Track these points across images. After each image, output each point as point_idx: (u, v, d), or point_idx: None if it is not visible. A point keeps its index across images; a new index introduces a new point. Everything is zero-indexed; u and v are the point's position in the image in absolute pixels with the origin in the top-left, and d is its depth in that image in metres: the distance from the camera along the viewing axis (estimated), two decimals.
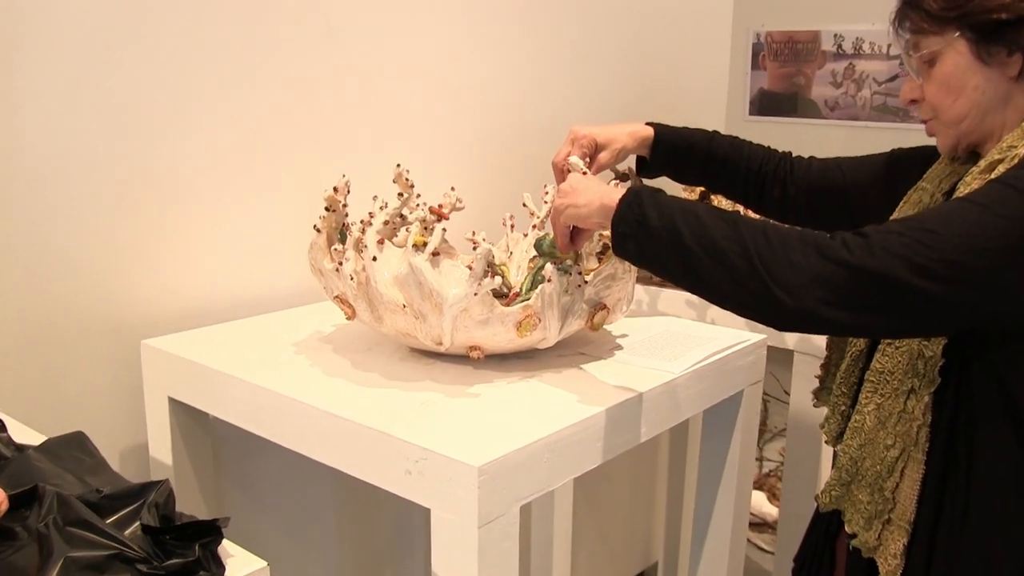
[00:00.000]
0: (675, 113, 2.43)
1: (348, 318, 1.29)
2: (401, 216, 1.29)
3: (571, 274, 1.23)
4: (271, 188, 1.55)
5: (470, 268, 1.14)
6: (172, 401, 1.32)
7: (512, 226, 1.55)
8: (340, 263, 1.23)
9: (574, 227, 1.15)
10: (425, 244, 1.15)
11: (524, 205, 1.53)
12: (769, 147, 1.38)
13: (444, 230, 1.17)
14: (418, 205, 1.43)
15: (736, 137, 1.39)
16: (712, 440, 1.46)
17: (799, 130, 2.43)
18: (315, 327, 1.44)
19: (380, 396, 1.14)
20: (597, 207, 1.04)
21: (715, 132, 1.38)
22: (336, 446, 1.08)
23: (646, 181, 1.41)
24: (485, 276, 1.15)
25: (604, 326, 1.35)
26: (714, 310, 1.79)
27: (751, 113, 2.51)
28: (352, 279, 1.21)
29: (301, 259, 1.58)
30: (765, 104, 2.48)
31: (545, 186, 1.54)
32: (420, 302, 1.17)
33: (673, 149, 1.35)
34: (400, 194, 1.44)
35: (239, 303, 1.54)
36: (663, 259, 0.96)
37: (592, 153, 1.34)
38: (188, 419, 1.35)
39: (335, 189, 1.30)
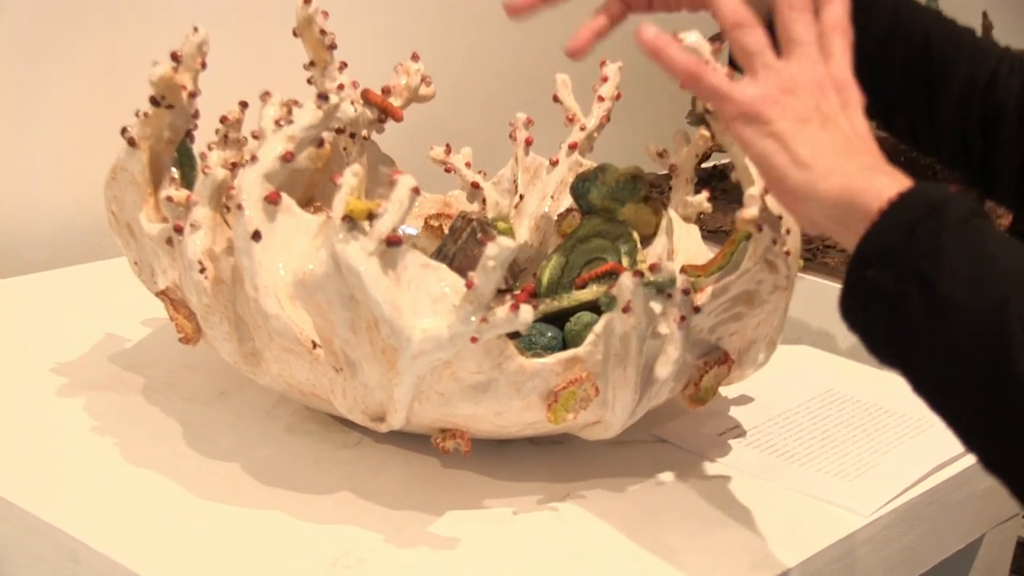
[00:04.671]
0: None
1: (184, 340, 1.13)
2: (320, 143, 1.07)
3: (671, 294, 1.05)
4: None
5: (467, 279, 0.96)
6: None
7: (528, 141, 1.41)
8: (179, 230, 1.05)
9: None
10: (372, 215, 0.96)
11: (556, 100, 1.39)
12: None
13: (415, 191, 0.97)
14: (341, 86, 1.29)
15: (942, 14, 1.23)
16: None
17: None
18: (104, 322, 1.35)
19: (243, 533, 1.02)
20: (837, 195, 0.87)
21: (915, 2, 1.22)
22: None
23: None
24: (500, 300, 0.98)
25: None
26: None
27: None
28: (203, 272, 1.03)
29: (82, 180, 1.42)
30: None
31: (603, 63, 1.37)
32: (349, 338, 1.00)
33: None
34: (310, 63, 1.28)
35: None
36: (943, 370, 0.82)
37: None
38: None
39: (174, 58, 1.11)
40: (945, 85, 1.17)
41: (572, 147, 1.35)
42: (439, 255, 1.28)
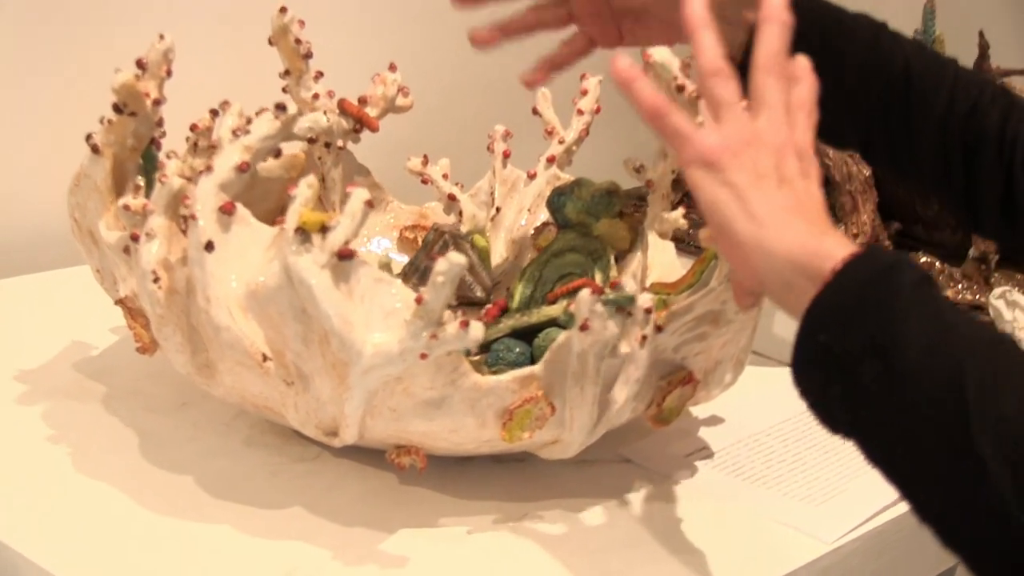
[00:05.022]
0: None
1: (141, 350, 1.12)
2: (278, 153, 1.07)
3: (631, 312, 1.03)
4: None
5: (416, 291, 0.95)
6: None
7: (506, 154, 1.40)
8: (136, 238, 1.05)
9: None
10: (325, 228, 0.95)
11: (536, 112, 1.39)
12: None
13: (368, 203, 0.95)
14: (316, 96, 1.28)
15: (924, 45, 1.24)
16: None
17: None
18: (73, 328, 1.35)
19: (189, 547, 1.01)
20: (788, 253, 0.85)
21: (896, 33, 1.19)
22: None
23: None
24: (451, 315, 0.96)
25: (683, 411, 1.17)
26: None
27: None
28: (156, 281, 1.02)
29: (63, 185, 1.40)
30: None
31: (583, 76, 1.36)
32: (301, 351, 0.99)
33: (821, 31, 1.15)
34: (286, 72, 1.27)
35: None
36: (899, 441, 0.81)
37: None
38: None
39: (139, 65, 1.11)
40: (925, 115, 1.15)
41: (550, 160, 1.34)
42: (411, 267, 1.28)
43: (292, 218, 0.95)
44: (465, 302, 1.28)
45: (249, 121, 1.04)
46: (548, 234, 1.30)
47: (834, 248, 0.82)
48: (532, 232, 1.33)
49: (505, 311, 1.24)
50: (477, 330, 0.94)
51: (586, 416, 1.05)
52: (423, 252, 1.26)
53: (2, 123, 1.50)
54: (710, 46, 0.90)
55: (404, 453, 1.04)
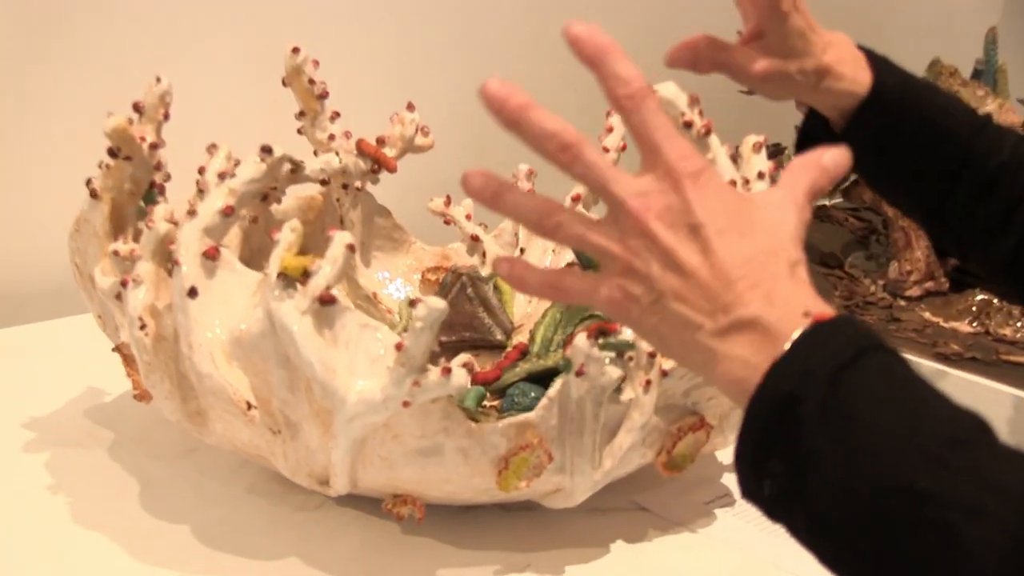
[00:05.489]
0: None
1: (139, 397, 1.11)
2: (272, 192, 1.05)
3: (632, 356, 1.00)
4: None
5: (401, 337, 0.92)
6: None
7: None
8: (125, 285, 1.02)
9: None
10: (307, 273, 0.93)
11: None
12: None
13: (350, 247, 0.92)
14: (332, 136, 1.27)
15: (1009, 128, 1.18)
16: None
17: None
18: (87, 375, 1.32)
19: None
20: (716, 381, 0.77)
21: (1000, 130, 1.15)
22: None
23: None
24: (434, 362, 0.93)
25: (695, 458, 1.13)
26: None
27: None
28: (143, 328, 1.00)
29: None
30: None
31: (609, 113, 1.34)
32: (287, 398, 0.97)
33: (904, 120, 1.10)
34: (301, 113, 1.26)
35: None
36: (841, 540, 0.72)
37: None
38: None
39: (136, 109, 1.09)
40: (1008, 220, 1.11)
41: (575, 200, 1.30)
42: None
43: (274, 263, 0.94)
44: (485, 345, 1.25)
45: (238, 164, 1.03)
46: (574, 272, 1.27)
47: (746, 373, 0.73)
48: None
49: (525, 354, 1.21)
50: (460, 377, 0.91)
51: (587, 464, 1.02)
52: (440, 295, 1.23)
53: (14, 170, 1.50)
54: (527, 204, 0.75)
55: (401, 503, 1.02)
